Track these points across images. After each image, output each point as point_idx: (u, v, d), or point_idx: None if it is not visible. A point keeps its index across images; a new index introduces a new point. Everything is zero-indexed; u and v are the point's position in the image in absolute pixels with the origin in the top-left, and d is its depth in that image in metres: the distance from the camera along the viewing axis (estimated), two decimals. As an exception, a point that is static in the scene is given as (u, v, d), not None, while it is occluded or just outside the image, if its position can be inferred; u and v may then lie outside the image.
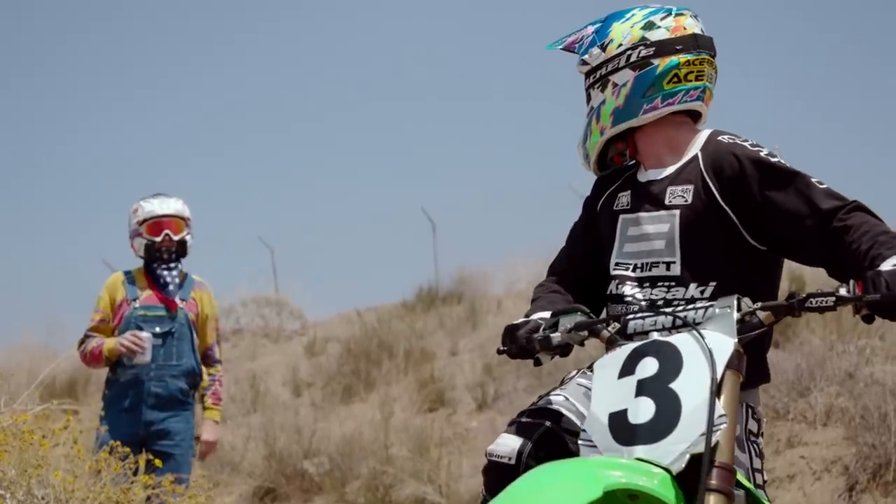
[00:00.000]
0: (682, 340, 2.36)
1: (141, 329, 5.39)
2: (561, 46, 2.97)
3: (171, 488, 4.43)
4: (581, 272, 2.97)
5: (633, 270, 2.76)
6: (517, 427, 2.66)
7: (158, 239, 5.47)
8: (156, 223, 5.48)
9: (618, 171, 2.97)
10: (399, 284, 24.66)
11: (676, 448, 2.21)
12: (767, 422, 7.19)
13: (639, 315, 2.56)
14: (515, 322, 2.76)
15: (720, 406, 2.25)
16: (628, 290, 2.75)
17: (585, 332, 2.61)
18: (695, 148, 2.79)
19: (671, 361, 2.32)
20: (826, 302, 2.34)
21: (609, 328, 2.57)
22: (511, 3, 27.46)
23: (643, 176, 2.86)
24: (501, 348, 2.73)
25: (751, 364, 2.64)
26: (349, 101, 28.19)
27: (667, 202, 2.75)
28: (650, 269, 2.73)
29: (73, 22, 27.88)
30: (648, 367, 2.33)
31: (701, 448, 2.19)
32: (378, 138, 27.64)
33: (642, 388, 2.30)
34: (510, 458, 2.59)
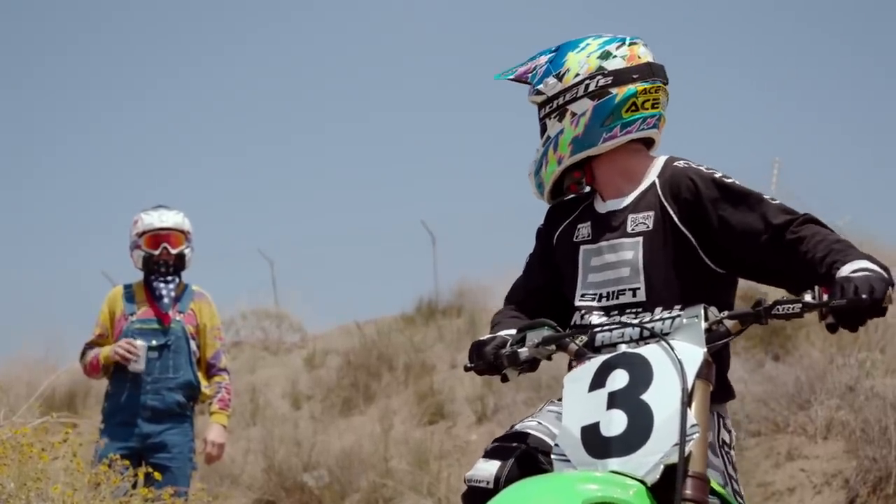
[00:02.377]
0: (651, 351, 2.37)
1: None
2: (512, 77, 2.97)
3: (171, 501, 4.43)
4: (539, 302, 2.96)
5: (599, 300, 2.76)
6: (493, 452, 2.65)
7: (156, 252, 5.48)
8: (154, 236, 5.49)
9: (571, 202, 2.96)
10: (399, 297, 24.63)
11: (650, 459, 2.22)
12: (768, 435, 7.19)
13: (606, 327, 2.59)
14: (482, 338, 2.76)
15: (691, 415, 2.27)
16: (595, 319, 2.74)
17: (553, 346, 2.62)
18: (652, 174, 2.81)
19: (641, 373, 2.33)
20: (792, 308, 2.36)
21: (577, 341, 2.60)
22: (511, 17, 27.55)
23: (602, 207, 2.87)
24: (469, 365, 2.74)
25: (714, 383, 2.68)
26: (349, 113, 28.25)
27: (629, 230, 2.76)
28: (617, 297, 2.73)
29: (72, 27, 27.95)
30: (619, 379, 2.34)
31: (675, 458, 2.21)
32: (378, 150, 27.69)
33: (613, 401, 2.32)
34: (488, 483, 2.58)
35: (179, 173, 26.62)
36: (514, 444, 2.64)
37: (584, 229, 2.85)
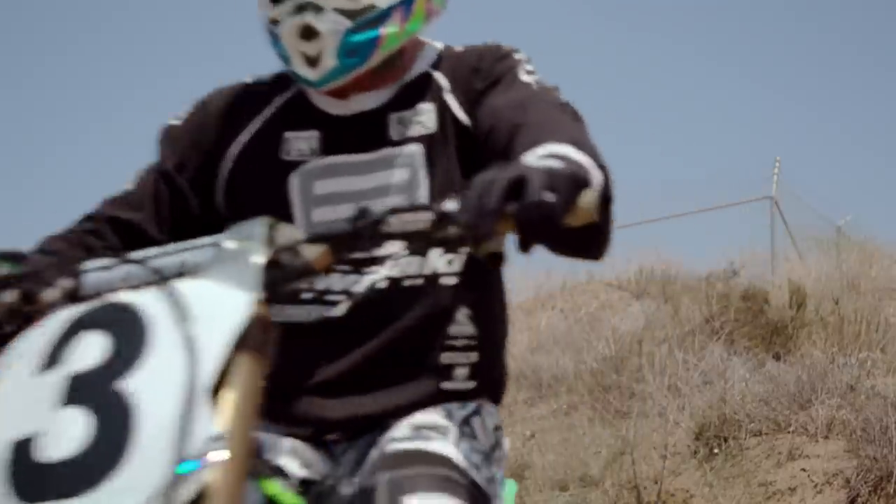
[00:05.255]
0: (149, 301, 1.30)
1: None
2: None
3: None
4: (135, 235, 1.88)
5: None
6: None
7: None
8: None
9: (243, 94, 1.99)
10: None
11: (124, 501, 1.16)
12: (769, 434, 7.18)
13: (101, 265, 1.40)
14: None
15: (216, 419, 1.22)
16: (336, 281, 1.82)
17: (16, 291, 1.44)
18: (422, 63, 1.98)
19: (129, 339, 1.27)
20: (422, 225, 1.34)
21: (55, 286, 1.40)
22: (512, 16, 27.55)
23: (337, 106, 1.91)
24: None
25: (493, 367, 1.92)
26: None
27: (395, 137, 1.87)
28: None
29: (72, 27, 27.99)
30: (90, 350, 1.27)
31: (182, 496, 1.17)
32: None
33: (75, 392, 1.24)
34: None
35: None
36: None
37: (303, 141, 1.89)
